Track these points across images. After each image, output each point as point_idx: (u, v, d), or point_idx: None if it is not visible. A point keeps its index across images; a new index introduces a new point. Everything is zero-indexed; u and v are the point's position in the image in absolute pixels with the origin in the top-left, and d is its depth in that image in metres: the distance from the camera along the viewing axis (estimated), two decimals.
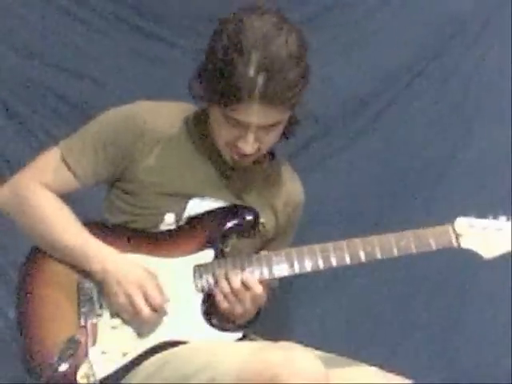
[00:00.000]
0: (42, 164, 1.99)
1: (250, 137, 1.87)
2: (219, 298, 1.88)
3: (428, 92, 2.64)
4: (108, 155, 1.95)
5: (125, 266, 1.89)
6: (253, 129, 1.86)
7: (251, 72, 1.79)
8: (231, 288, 1.86)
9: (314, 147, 2.63)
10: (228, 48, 1.81)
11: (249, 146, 1.88)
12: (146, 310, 1.85)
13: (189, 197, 1.96)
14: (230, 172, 2.00)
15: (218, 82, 1.82)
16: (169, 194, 1.95)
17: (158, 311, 1.87)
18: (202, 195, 1.97)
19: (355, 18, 2.62)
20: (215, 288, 1.88)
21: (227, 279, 1.87)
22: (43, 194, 1.95)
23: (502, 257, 2.49)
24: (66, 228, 1.93)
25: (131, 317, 1.87)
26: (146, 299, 1.85)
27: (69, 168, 1.96)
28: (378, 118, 2.65)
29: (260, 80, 1.79)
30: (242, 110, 1.83)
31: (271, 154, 2.09)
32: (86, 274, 1.91)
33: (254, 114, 1.83)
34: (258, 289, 1.87)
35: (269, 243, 2.07)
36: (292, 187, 2.11)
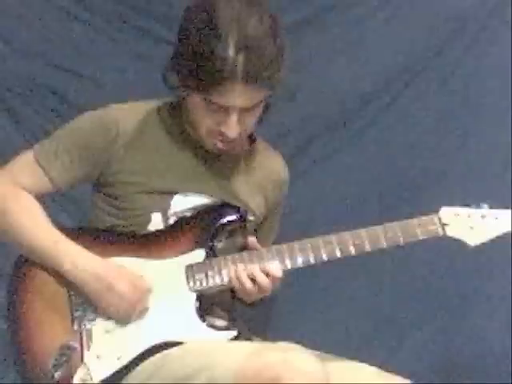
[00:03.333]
0: (17, 167, 1.97)
1: (234, 120, 1.85)
2: (242, 295, 1.89)
3: (428, 92, 2.64)
4: (82, 158, 1.94)
5: (98, 263, 1.87)
6: (236, 111, 1.85)
7: (230, 52, 1.78)
8: (257, 284, 1.86)
9: (314, 147, 2.63)
10: (203, 31, 1.80)
11: (233, 129, 1.87)
12: (125, 306, 1.84)
13: (172, 193, 1.95)
14: (211, 162, 1.99)
15: (197, 67, 1.81)
16: (151, 192, 1.94)
17: (147, 294, 1.86)
18: (185, 190, 1.96)
19: (355, 18, 2.62)
20: (234, 284, 1.87)
21: (250, 277, 1.86)
22: (16, 195, 1.93)
23: (502, 256, 2.50)
24: (36, 229, 1.91)
25: (123, 310, 1.85)
26: (133, 285, 1.84)
27: (44, 171, 1.95)
28: (377, 118, 2.65)
29: (240, 59, 1.78)
30: (225, 92, 1.81)
31: (250, 137, 2.08)
32: None
33: (237, 95, 1.82)
34: (279, 273, 1.87)
35: (259, 226, 2.08)
36: (277, 166, 2.11)
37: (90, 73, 2.61)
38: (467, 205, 1.92)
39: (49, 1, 2.59)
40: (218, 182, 1.99)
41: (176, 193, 1.95)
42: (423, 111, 2.64)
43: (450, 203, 2.52)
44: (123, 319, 1.86)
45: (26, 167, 1.96)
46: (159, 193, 1.94)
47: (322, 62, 2.62)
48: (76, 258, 1.87)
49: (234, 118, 1.85)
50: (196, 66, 1.81)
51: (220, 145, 1.92)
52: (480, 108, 2.62)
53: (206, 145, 1.95)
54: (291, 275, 1.93)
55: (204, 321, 1.88)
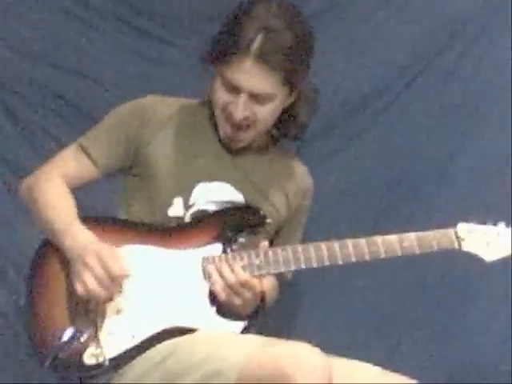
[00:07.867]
0: (62, 157, 2.08)
1: (241, 101, 1.94)
2: (216, 291, 1.90)
3: (428, 92, 2.64)
4: (120, 140, 2.04)
5: (86, 240, 1.90)
6: (245, 93, 1.93)
7: (252, 29, 1.91)
8: (226, 283, 1.89)
9: (315, 146, 2.63)
10: (238, 11, 1.95)
11: (239, 110, 1.95)
12: (91, 281, 1.85)
13: (197, 180, 2.02)
14: (237, 155, 2.06)
15: (221, 40, 1.94)
16: (178, 177, 2.01)
17: (114, 282, 1.87)
18: (209, 179, 2.03)
19: (356, 18, 2.62)
20: (212, 281, 1.91)
21: (221, 275, 1.90)
22: (54, 182, 2.02)
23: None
24: (58, 209, 1.98)
25: (83, 288, 1.86)
26: (105, 269, 1.85)
27: (88, 156, 2.05)
28: (378, 118, 2.65)
29: (258, 39, 1.90)
30: (236, 68, 1.92)
31: (274, 140, 2.15)
32: None
33: (246, 73, 1.91)
34: (244, 276, 1.89)
35: (280, 230, 2.13)
36: (303, 173, 2.19)
37: (90, 73, 2.61)
38: (484, 219, 1.95)
39: (49, 1, 2.60)
40: (242, 174, 2.06)
41: (200, 181, 2.02)
42: (423, 111, 2.64)
43: (450, 203, 2.53)
44: (89, 294, 1.86)
45: (69, 156, 2.07)
46: (184, 179, 2.01)
47: (321, 62, 2.61)
48: (77, 236, 1.91)
49: (241, 98, 1.94)
50: (221, 40, 1.95)
51: (228, 130, 2.00)
52: (480, 108, 2.62)
53: (220, 130, 2.02)
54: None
55: (216, 309, 1.91)
